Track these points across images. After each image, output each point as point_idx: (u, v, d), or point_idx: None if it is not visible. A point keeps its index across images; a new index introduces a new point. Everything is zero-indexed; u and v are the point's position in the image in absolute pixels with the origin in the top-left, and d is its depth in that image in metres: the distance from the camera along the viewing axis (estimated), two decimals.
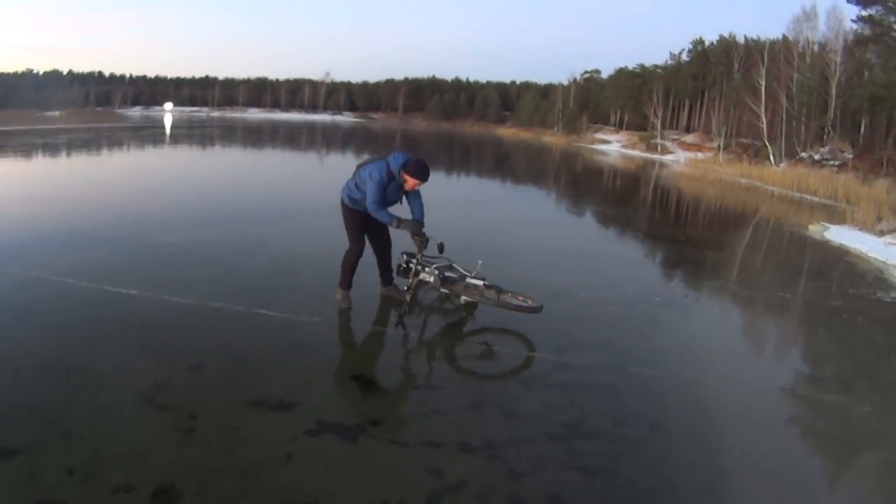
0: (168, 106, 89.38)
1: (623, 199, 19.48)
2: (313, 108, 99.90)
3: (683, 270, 9.11)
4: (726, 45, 43.74)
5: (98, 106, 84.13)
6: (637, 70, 57.74)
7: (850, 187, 19.90)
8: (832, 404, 4.61)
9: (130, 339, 4.61)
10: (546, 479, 3.32)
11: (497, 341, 5.19)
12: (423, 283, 5.47)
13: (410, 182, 5.22)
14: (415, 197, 5.39)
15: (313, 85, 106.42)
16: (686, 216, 16.20)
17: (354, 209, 5.52)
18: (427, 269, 5.44)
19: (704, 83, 43.67)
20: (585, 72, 69.02)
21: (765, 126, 30.01)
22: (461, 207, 12.98)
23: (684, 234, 12.67)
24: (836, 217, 15.43)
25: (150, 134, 37.03)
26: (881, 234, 12.68)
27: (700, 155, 38.47)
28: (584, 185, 24.20)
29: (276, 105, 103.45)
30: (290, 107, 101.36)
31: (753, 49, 36.11)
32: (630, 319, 6.14)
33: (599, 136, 55.13)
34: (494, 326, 5.52)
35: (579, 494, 3.24)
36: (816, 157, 24.95)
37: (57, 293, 5.58)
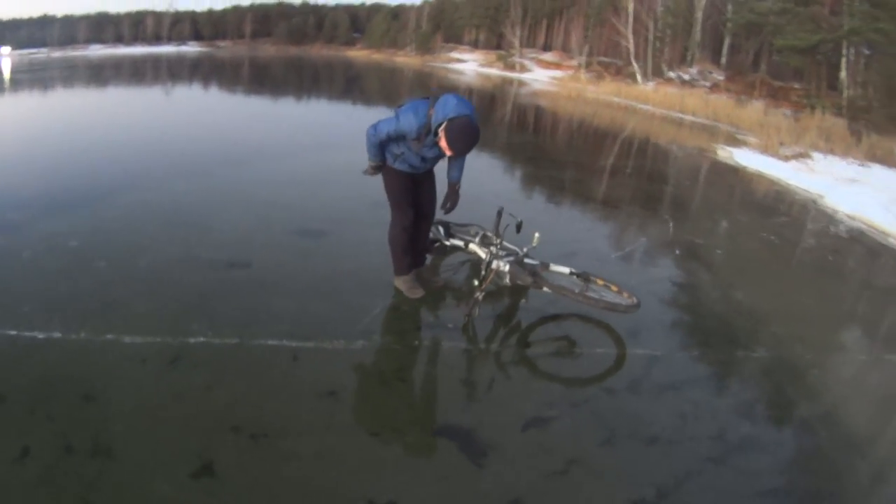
0: (5, 50, 79.09)
1: (494, 119, 19.14)
2: (157, 39, 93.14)
3: (647, 214, 8.68)
4: None
5: None
6: None
7: (728, 109, 20.61)
8: None
9: None
10: None
11: (575, 335, 4.50)
12: (497, 275, 4.56)
13: (446, 150, 4.13)
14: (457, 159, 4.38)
15: (157, 16, 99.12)
16: (594, 144, 15.95)
17: (397, 169, 4.51)
18: (501, 256, 4.56)
19: (564, 2, 43.78)
20: None
21: (632, 46, 30.29)
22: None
23: (618, 164, 12.31)
24: (732, 141, 16.19)
25: None
26: (786, 159, 13.04)
27: (560, 73, 38.74)
28: None
29: (118, 40, 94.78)
30: (133, 40, 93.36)
31: None
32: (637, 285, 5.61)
33: (454, 55, 54.67)
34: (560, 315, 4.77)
35: None
36: (686, 77, 25.73)
37: None
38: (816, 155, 13.49)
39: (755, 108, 20.82)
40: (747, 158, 13.59)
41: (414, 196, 4.55)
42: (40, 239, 5.60)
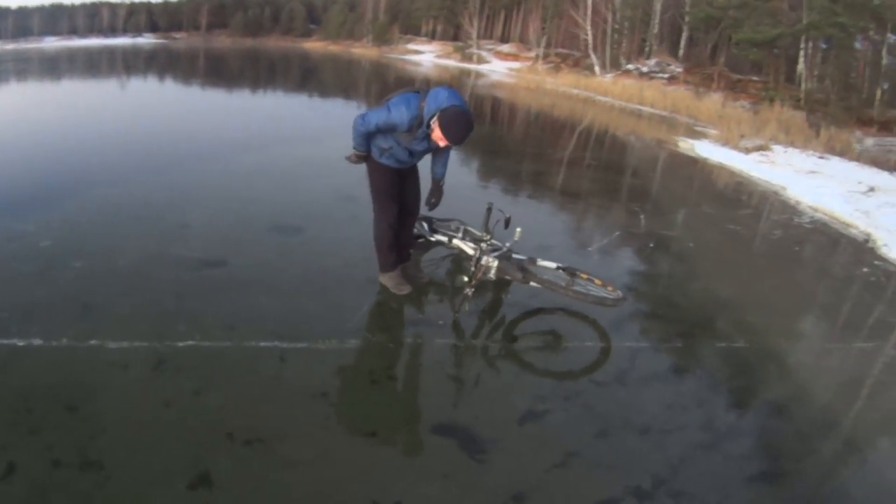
0: None
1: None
2: (113, 31, 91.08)
3: (617, 206, 8.83)
4: None
5: None
6: None
7: (686, 101, 21.05)
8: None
9: None
10: None
11: (560, 329, 4.56)
12: (486, 270, 4.54)
13: (440, 139, 4.06)
14: (443, 151, 4.39)
15: (112, 7, 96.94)
16: (556, 135, 16.10)
17: (382, 163, 4.43)
18: (484, 249, 4.55)
19: None
20: None
21: (590, 38, 30.69)
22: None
23: (582, 156, 12.47)
24: (692, 133, 16.61)
25: None
26: (747, 151, 13.38)
27: (517, 64, 38.93)
28: None
29: (73, 31, 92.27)
30: (88, 32, 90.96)
31: None
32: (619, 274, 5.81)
33: (412, 46, 54.65)
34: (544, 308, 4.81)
35: None
36: (644, 69, 26.09)
37: None
38: (776, 147, 13.84)
39: (713, 100, 21.26)
40: (709, 151, 13.92)
41: (399, 192, 4.50)
42: (9, 239, 5.39)
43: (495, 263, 4.47)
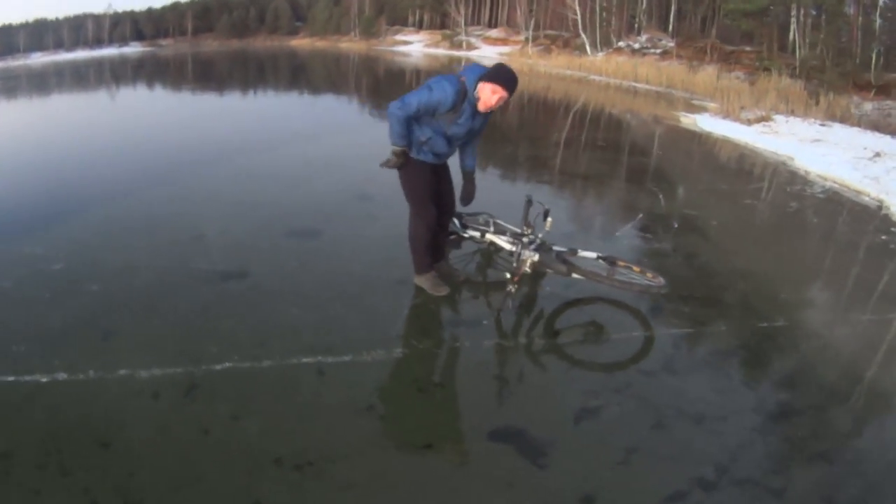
0: None
1: None
2: (99, 43, 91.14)
3: (634, 187, 8.75)
4: None
5: None
6: None
7: (681, 75, 21.01)
8: None
9: None
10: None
11: (601, 319, 4.47)
12: (528, 265, 4.41)
13: (493, 93, 3.94)
14: (475, 136, 4.31)
15: (96, 19, 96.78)
16: (559, 118, 16.03)
17: (418, 161, 4.26)
18: (525, 243, 4.44)
19: None
20: None
21: (579, 18, 30.71)
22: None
23: (589, 137, 12.40)
24: (692, 107, 16.60)
25: None
26: (749, 122, 13.37)
27: (507, 48, 38.82)
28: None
29: (59, 45, 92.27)
30: (74, 45, 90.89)
31: None
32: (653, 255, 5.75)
33: (399, 37, 54.55)
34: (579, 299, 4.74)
35: None
36: (636, 45, 26.00)
37: None
38: (778, 117, 13.82)
39: (708, 73, 21.26)
40: (711, 124, 13.92)
41: (435, 191, 4.39)
42: (19, 265, 5.17)
43: (536, 257, 4.36)
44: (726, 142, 12.31)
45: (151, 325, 4.18)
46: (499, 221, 4.98)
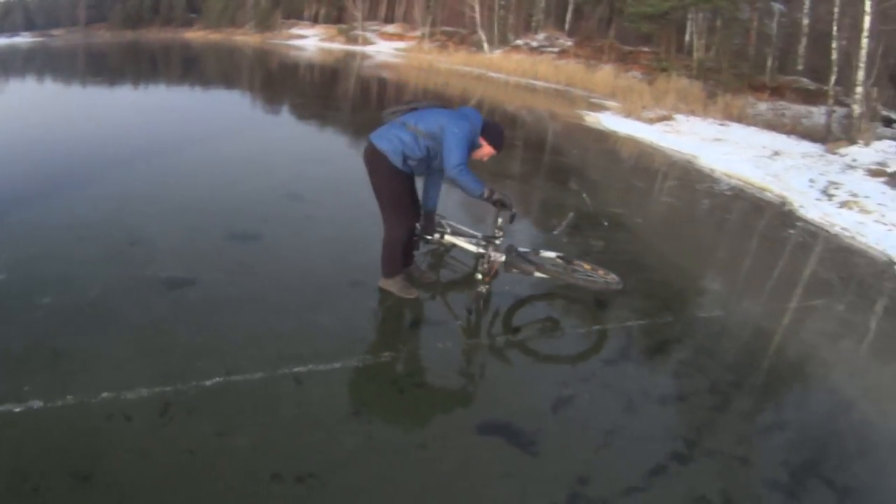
0: None
1: (340, 95, 19.76)
2: None
3: (556, 186, 9.28)
4: None
5: None
6: None
7: (579, 74, 22.02)
8: None
9: None
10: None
11: (557, 315, 4.81)
12: (497, 265, 4.67)
13: (484, 151, 4.44)
14: (439, 174, 4.59)
15: None
16: None
17: (404, 172, 4.44)
18: (490, 245, 4.67)
19: None
20: None
21: (478, 16, 31.37)
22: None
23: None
24: (594, 106, 17.40)
25: None
26: (651, 122, 14.19)
27: (403, 44, 39.01)
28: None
29: None
30: None
31: None
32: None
33: (295, 31, 53.61)
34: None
35: None
36: (533, 44, 26.78)
37: None
38: (678, 117, 14.65)
39: (606, 72, 22.28)
40: (615, 123, 14.74)
41: (413, 198, 4.61)
42: None
43: (503, 258, 4.60)
44: (631, 140, 13.09)
45: (109, 341, 3.99)
46: (452, 223, 5.23)
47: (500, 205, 4.36)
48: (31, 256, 5.23)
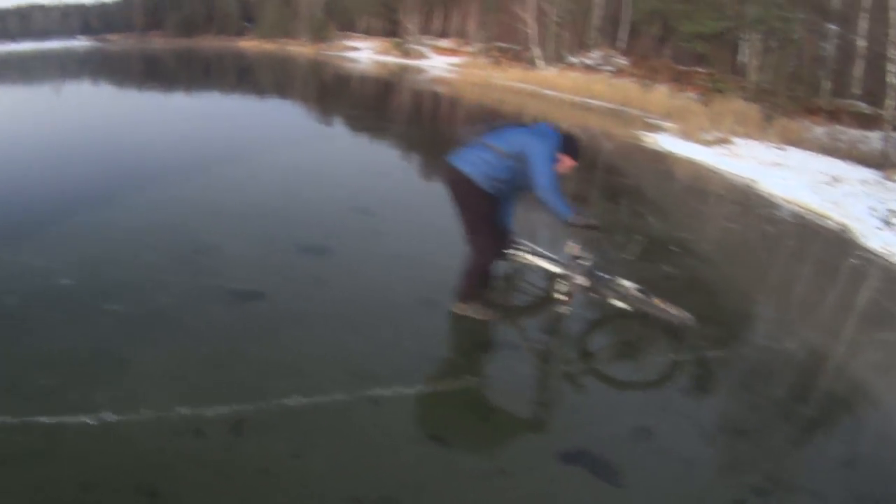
0: None
1: (392, 109, 19.99)
2: (46, 34, 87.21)
3: (617, 208, 9.20)
4: None
5: None
6: None
7: (635, 93, 22.27)
8: None
9: None
10: None
11: (635, 342, 4.83)
12: (580, 289, 4.72)
13: (565, 165, 4.40)
14: (517, 193, 4.65)
15: (45, 10, 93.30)
16: None
17: (490, 194, 4.41)
18: (578, 268, 4.69)
19: None
20: None
21: (534, 32, 31.51)
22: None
23: None
24: (651, 127, 17.18)
25: None
26: (709, 144, 14.10)
27: (457, 59, 39.22)
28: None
29: (4, 35, 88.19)
30: (19, 35, 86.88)
31: None
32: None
33: (349, 43, 54.26)
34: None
35: None
36: (588, 62, 26.78)
37: None
38: (736, 139, 14.48)
39: (661, 92, 22.04)
40: (673, 145, 14.57)
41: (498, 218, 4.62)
42: (21, 278, 4.85)
43: (587, 283, 4.65)
44: (690, 163, 12.97)
45: (178, 353, 3.98)
46: (529, 243, 5.24)
47: (589, 228, 4.32)
48: (98, 261, 5.28)
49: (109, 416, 3.25)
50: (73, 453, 2.99)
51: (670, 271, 6.35)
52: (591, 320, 4.97)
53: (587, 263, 4.74)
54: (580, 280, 4.66)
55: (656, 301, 4.71)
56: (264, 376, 3.76)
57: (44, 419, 3.20)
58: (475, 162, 4.35)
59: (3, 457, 2.98)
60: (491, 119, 4.75)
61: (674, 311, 4.68)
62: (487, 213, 4.49)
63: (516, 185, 4.46)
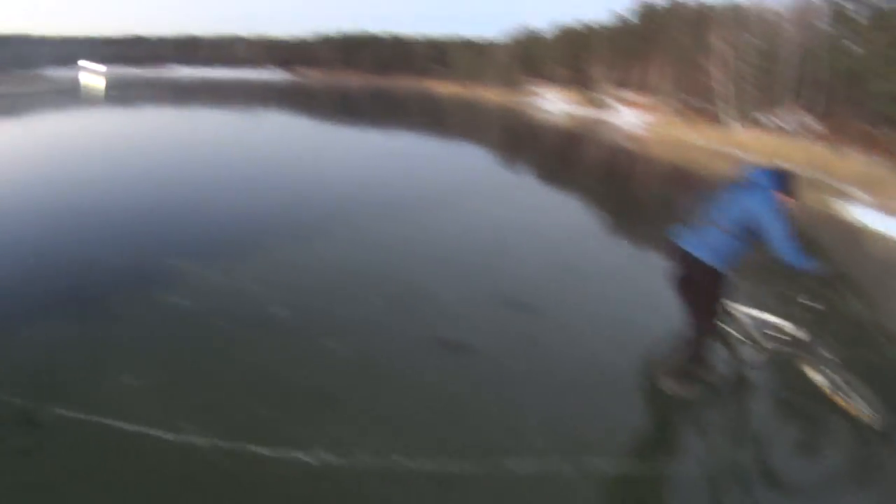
0: (100, 68, 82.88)
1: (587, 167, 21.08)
2: (241, 63, 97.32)
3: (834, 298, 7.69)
4: (675, 6, 45.32)
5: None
6: (584, 30, 59.16)
7: (825, 158, 21.77)
8: None
9: None
10: None
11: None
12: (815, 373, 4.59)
13: (787, 204, 4.39)
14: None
15: (243, 41, 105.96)
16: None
17: (723, 273, 4.45)
18: (811, 350, 4.57)
19: (650, 44, 45.08)
20: (527, 30, 70.11)
21: (728, 91, 30.74)
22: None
23: None
24: (841, 194, 17.10)
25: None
26: None
27: (646, 114, 39.72)
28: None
29: (204, 62, 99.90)
30: (217, 63, 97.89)
31: (705, 12, 37.51)
32: None
33: (537, 91, 56.18)
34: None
35: None
36: (780, 122, 27.58)
37: None
38: None
39: (854, 158, 21.63)
40: (873, 218, 14.45)
41: None
42: (237, 304, 5.01)
43: (825, 381, 4.50)
44: (887, 239, 12.53)
45: (390, 398, 4.08)
46: (753, 312, 4.92)
47: (829, 279, 4.18)
48: (310, 295, 5.42)
49: (323, 455, 3.39)
50: (278, 488, 3.14)
51: (879, 362, 5.91)
52: (786, 401, 4.83)
53: (806, 339, 4.61)
54: (818, 365, 4.55)
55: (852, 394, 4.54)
56: (480, 432, 3.85)
57: (252, 447, 3.32)
58: (710, 248, 4.35)
59: (204, 484, 3.15)
60: (706, 190, 4.69)
61: (868, 405, 4.47)
62: (719, 295, 4.53)
63: (748, 252, 4.42)
